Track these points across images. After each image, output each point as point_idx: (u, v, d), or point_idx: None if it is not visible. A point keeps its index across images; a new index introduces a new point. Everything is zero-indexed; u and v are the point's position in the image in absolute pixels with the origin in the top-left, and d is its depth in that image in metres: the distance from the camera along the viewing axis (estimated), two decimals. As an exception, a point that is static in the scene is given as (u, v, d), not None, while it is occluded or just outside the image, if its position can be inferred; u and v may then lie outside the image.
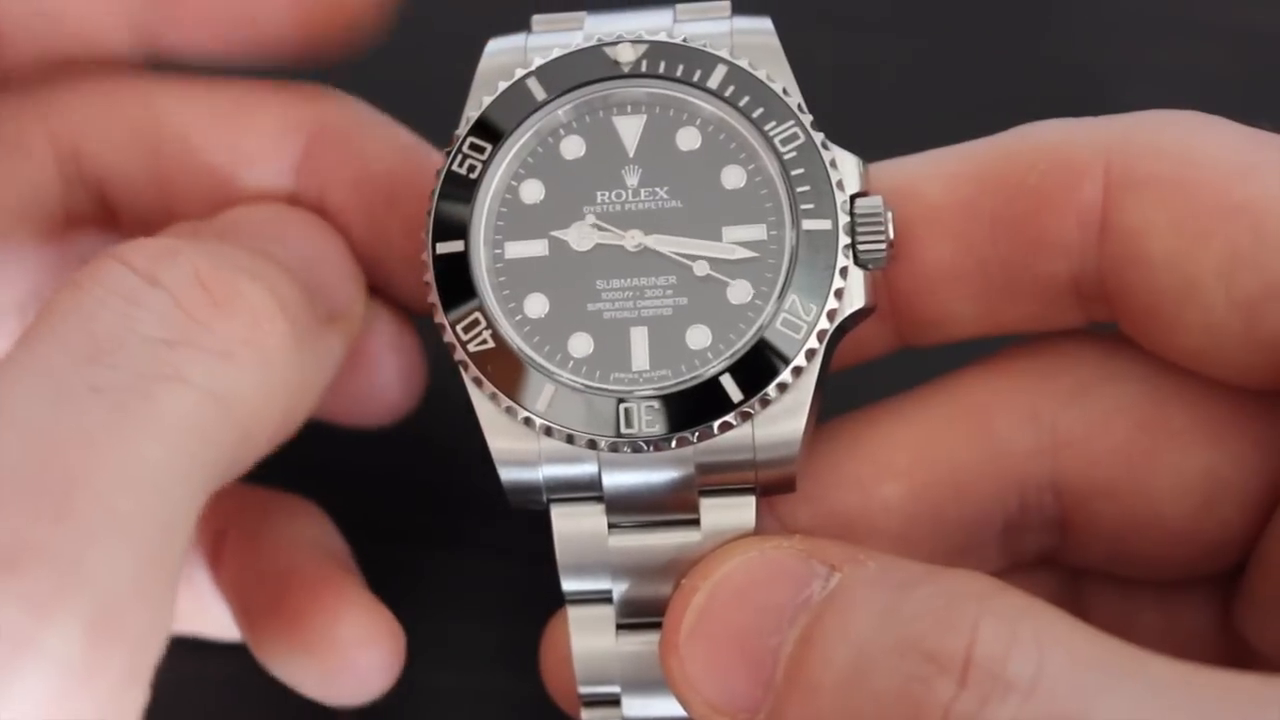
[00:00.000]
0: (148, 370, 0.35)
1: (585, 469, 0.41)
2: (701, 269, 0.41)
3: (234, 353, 0.37)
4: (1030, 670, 0.33)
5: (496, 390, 0.40)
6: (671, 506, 0.41)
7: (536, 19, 0.44)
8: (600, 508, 0.41)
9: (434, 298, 0.41)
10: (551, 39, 0.43)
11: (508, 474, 0.41)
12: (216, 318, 0.37)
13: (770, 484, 0.41)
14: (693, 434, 0.40)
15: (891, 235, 0.41)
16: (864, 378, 0.45)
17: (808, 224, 0.41)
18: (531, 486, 0.41)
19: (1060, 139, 0.42)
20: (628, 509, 0.41)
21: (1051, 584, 0.46)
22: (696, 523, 0.41)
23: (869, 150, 0.43)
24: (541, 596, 0.44)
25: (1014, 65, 0.57)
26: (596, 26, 0.43)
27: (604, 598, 0.42)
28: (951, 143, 0.44)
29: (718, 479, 0.41)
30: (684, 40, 0.42)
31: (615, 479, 0.41)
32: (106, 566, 0.33)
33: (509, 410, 0.40)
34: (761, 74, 0.42)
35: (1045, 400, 0.43)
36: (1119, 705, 0.33)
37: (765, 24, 0.43)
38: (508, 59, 0.43)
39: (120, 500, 0.33)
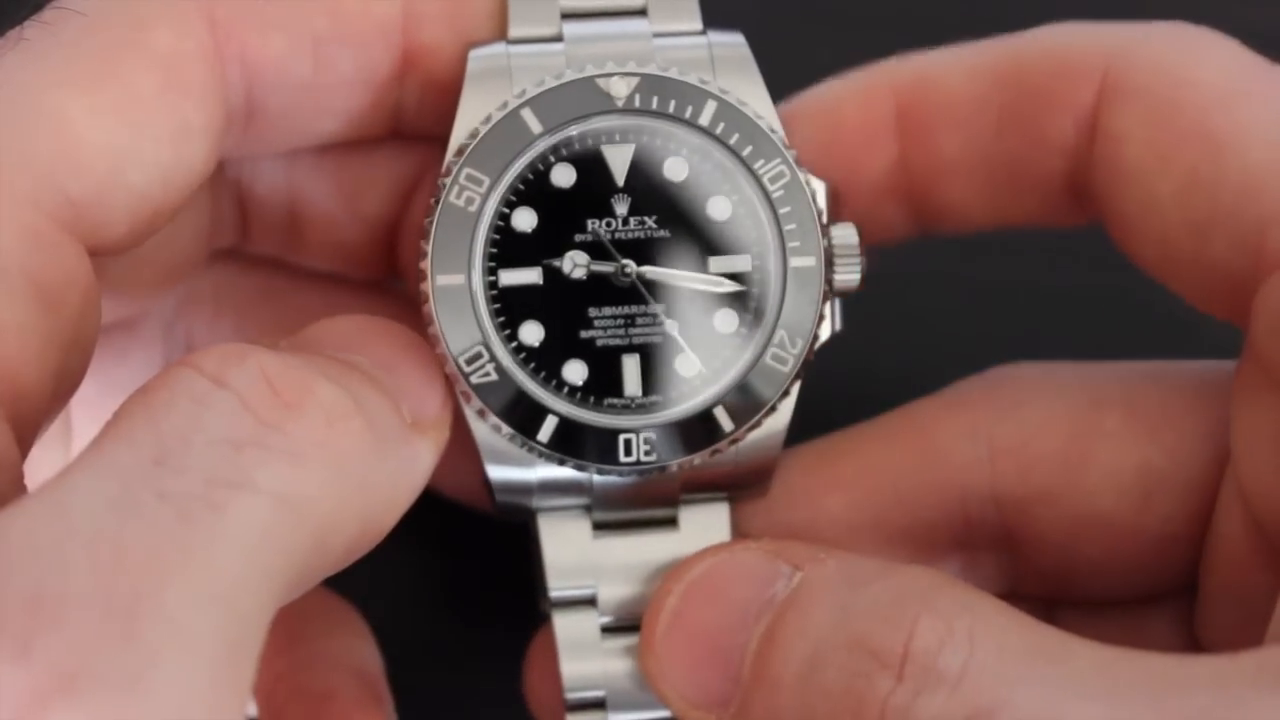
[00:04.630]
0: (215, 476, 0.34)
1: (580, 475, 0.43)
2: (672, 329, 0.42)
3: (305, 454, 0.35)
4: (959, 662, 0.35)
5: (500, 422, 0.42)
6: (655, 502, 0.44)
7: (513, 23, 0.44)
8: (584, 515, 0.44)
9: (436, 329, 0.42)
10: (534, 50, 0.43)
11: (504, 498, 0.43)
12: (286, 419, 0.36)
13: (746, 482, 0.44)
14: (689, 460, 0.42)
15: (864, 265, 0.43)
16: (833, 416, 0.47)
17: (795, 261, 0.42)
18: (522, 498, 0.43)
19: (1069, 41, 0.43)
20: (612, 503, 0.43)
21: None
22: (676, 524, 0.44)
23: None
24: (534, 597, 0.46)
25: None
26: (574, 31, 0.44)
27: (589, 601, 0.44)
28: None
29: (701, 476, 0.43)
30: (674, 72, 0.43)
31: (606, 481, 0.43)
32: (173, 687, 0.31)
33: (511, 439, 0.42)
34: (749, 111, 0.43)
35: (983, 415, 0.45)
36: (1037, 693, 0.35)
37: (738, 38, 0.44)
38: (494, 86, 0.43)
39: (188, 618, 0.32)
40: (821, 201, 0.43)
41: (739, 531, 0.45)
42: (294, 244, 0.49)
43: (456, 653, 0.53)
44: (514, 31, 0.44)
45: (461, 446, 0.43)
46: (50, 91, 0.39)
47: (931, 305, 0.56)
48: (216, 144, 0.42)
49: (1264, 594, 0.41)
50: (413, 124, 0.46)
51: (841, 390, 0.49)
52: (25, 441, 0.38)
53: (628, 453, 0.42)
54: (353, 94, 0.44)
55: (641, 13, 0.44)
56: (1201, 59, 0.41)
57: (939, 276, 0.55)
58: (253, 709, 0.47)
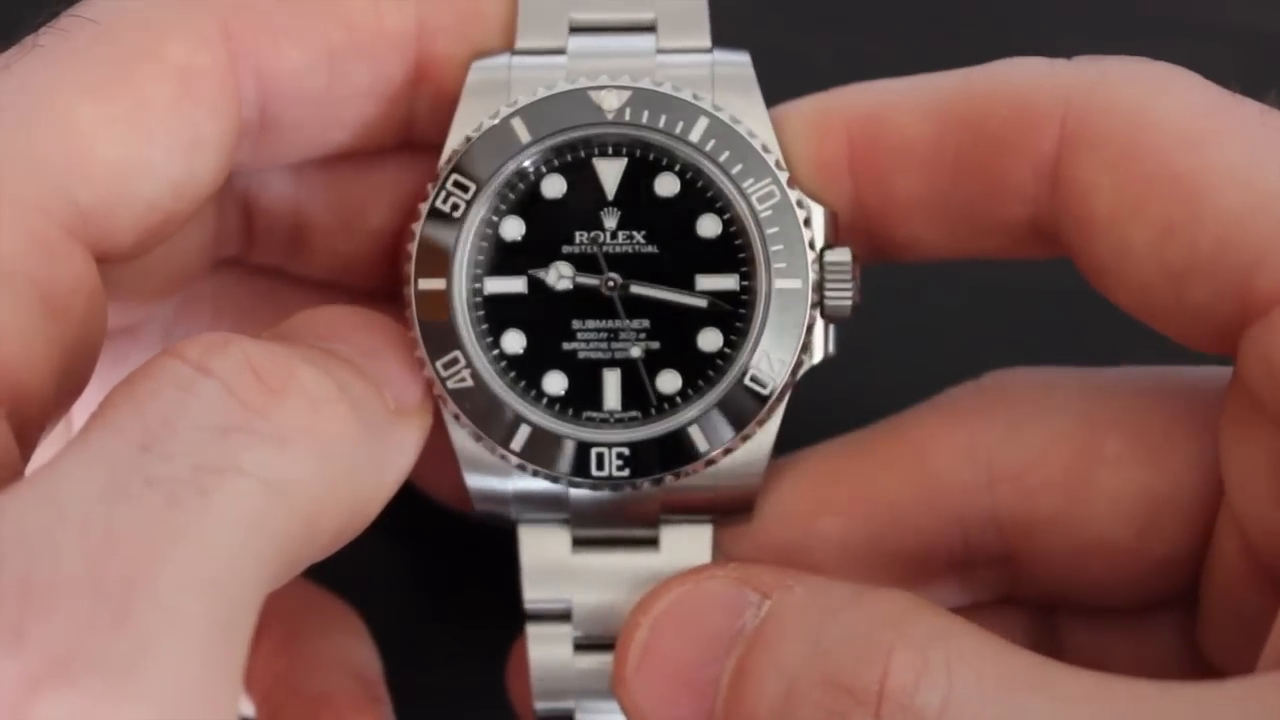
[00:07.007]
0: (202, 461, 0.34)
1: (554, 488, 0.43)
2: (636, 351, 0.42)
3: (290, 439, 0.35)
4: (938, 699, 0.35)
5: (474, 427, 0.42)
6: (634, 522, 0.44)
7: (520, 37, 0.44)
8: (565, 529, 0.43)
9: (415, 333, 0.42)
10: (535, 63, 0.43)
11: (482, 506, 0.43)
12: (271, 404, 0.36)
13: (727, 509, 0.44)
14: (660, 479, 0.42)
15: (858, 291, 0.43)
16: (827, 417, 0.47)
17: (780, 283, 0.42)
18: (500, 507, 0.43)
19: (1025, 84, 0.42)
20: (590, 519, 0.43)
21: (1022, 621, 0.47)
22: (656, 544, 0.43)
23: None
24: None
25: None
26: (579, 45, 0.44)
27: (564, 614, 0.44)
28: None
29: (680, 499, 0.43)
30: (668, 88, 0.42)
31: (582, 493, 0.43)
32: (166, 671, 0.31)
33: (486, 447, 0.42)
34: (742, 129, 0.42)
35: (982, 438, 0.44)
36: None
37: (743, 58, 0.44)
38: (492, 96, 0.43)
39: (180, 602, 0.32)
40: (818, 225, 0.43)
41: (726, 553, 0.45)
42: (297, 254, 0.49)
43: (452, 652, 0.53)
44: (521, 43, 0.44)
45: (449, 452, 0.43)
46: (63, 99, 0.39)
47: (929, 304, 0.56)
48: (229, 156, 0.42)
49: (1262, 613, 0.40)
50: (424, 135, 0.46)
51: (836, 392, 0.49)
52: (28, 444, 0.38)
53: (599, 467, 0.42)
54: (366, 106, 0.44)
55: (651, 28, 0.44)
56: (1161, 98, 0.40)
57: (936, 276, 0.55)
58: (250, 709, 0.48)
